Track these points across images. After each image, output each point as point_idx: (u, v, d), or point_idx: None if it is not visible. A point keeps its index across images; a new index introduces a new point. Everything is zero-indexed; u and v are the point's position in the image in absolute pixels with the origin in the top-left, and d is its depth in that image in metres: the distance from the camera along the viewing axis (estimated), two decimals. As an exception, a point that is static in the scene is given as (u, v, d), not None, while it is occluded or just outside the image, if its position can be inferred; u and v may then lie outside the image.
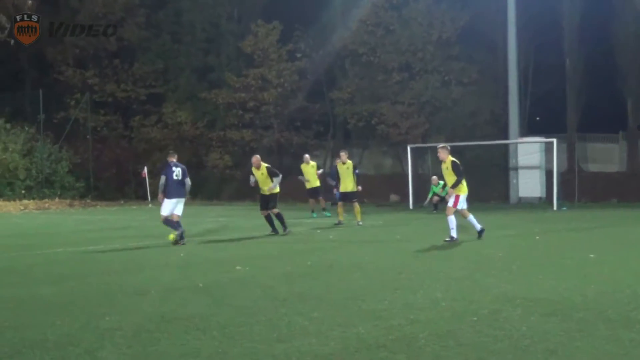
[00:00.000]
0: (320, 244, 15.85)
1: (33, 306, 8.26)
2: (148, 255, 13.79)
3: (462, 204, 15.72)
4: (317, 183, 27.03)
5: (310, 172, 27.20)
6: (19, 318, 7.53)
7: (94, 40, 46.44)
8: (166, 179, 16.25)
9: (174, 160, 16.59)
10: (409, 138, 39.30)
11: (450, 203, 15.56)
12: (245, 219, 25.50)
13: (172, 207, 16.23)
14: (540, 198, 35.50)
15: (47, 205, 36.58)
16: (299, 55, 44.28)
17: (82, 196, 41.50)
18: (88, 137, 45.21)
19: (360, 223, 21.27)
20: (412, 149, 35.53)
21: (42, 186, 40.90)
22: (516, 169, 36.66)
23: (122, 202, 40.83)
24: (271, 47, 43.67)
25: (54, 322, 7.28)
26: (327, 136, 47.31)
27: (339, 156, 22.58)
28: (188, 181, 16.72)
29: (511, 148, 37.11)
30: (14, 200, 37.47)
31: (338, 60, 44.20)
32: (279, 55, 43.89)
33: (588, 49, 41.30)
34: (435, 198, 28.67)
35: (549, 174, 33.80)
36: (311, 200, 27.28)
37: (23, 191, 39.59)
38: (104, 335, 6.67)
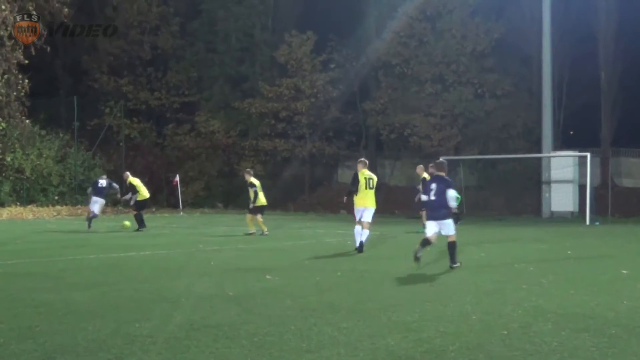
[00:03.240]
0: (351, 254, 15.80)
1: (64, 311, 8.31)
2: (178, 262, 13.83)
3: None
4: None
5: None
6: (50, 323, 7.58)
7: (129, 48, 46.96)
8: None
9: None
10: (441, 150, 39.21)
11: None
12: (277, 229, 25.47)
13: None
14: (572, 212, 35.20)
15: (79, 211, 36.86)
16: (332, 65, 44.43)
17: (115, 203, 41.76)
18: (121, 144, 45.61)
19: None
20: (445, 160, 35.32)
21: (75, 192, 41.25)
22: (549, 182, 36.38)
23: (153, 209, 41.02)
24: (305, 57, 43.82)
25: (85, 327, 7.31)
26: (359, 147, 47.33)
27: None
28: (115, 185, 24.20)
29: (544, 162, 36.86)
30: (47, 205, 37.83)
31: (371, 72, 44.30)
32: (313, 65, 44.03)
33: (623, 63, 41.05)
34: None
35: (582, 188, 33.51)
36: None
37: (56, 197, 39.98)
38: (134, 341, 6.69)
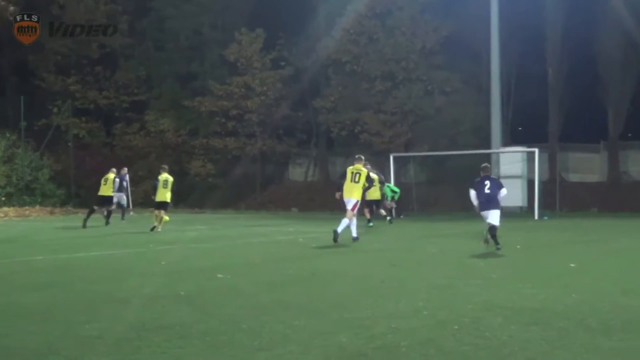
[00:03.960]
0: (302, 252, 15.81)
1: (13, 314, 8.18)
2: (129, 263, 13.71)
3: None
4: None
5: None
6: (-2, 326, 7.47)
7: (76, 47, 46.33)
8: None
9: None
10: (391, 147, 39.35)
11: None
12: (228, 228, 25.40)
13: None
14: (521, 207, 35.57)
15: (27, 212, 36.30)
16: (282, 63, 44.31)
17: (63, 204, 41.26)
18: (69, 144, 45.03)
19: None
20: (394, 157, 35.47)
21: (23, 193, 40.63)
22: (498, 178, 36.67)
23: (103, 209, 40.57)
24: (255, 55, 43.67)
25: (34, 329, 7.22)
26: (310, 145, 47.36)
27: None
28: None
29: (493, 157, 37.13)
30: (-6, 207, 37.24)
31: (321, 69, 44.24)
32: (263, 63, 43.90)
33: (570, 59, 41.58)
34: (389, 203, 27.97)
35: (530, 183, 33.91)
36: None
37: (3, 198, 39.32)
38: (84, 343, 6.62)
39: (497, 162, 36.66)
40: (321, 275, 11.49)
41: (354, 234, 17.81)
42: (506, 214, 34.25)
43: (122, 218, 29.07)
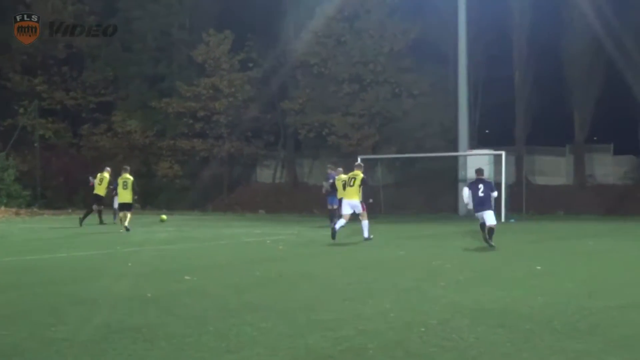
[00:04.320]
0: (270, 254, 15.77)
1: (-23, 316, 8.09)
2: (96, 264, 13.58)
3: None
4: None
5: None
6: (-39, 328, 7.37)
7: (43, 47, 45.83)
8: None
9: None
10: (359, 149, 39.41)
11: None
12: (195, 229, 25.28)
13: None
14: (488, 210, 35.64)
15: (-7, 213, 35.93)
16: (250, 65, 44.24)
17: (29, 205, 40.79)
18: (36, 145, 44.58)
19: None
20: (362, 160, 35.36)
21: (-12, 194, 40.18)
22: (465, 180, 36.77)
23: (69, 210, 40.19)
24: (223, 56, 43.58)
25: (-2, 332, 7.14)
26: (278, 147, 47.32)
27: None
28: None
29: (460, 160, 37.33)
30: (-42, 208, 36.77)
31: (290, 71, 44.21)
32: (231, 64, 43.82)
33: (537, 63, 41.94)
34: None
35: (497, 186, 33.98)
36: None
37: (-32, 199, 38.88)
38: (50, 345, 6.54)
39: (464, 164, 36.79)
40: (288, 277, 11.46)
41: (367, 235, 19.13)
42: (472, 217, 34.64)
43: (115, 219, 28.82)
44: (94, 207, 27.04)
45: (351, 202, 19.21)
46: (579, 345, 6.55)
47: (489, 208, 17.32)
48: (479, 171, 18.20)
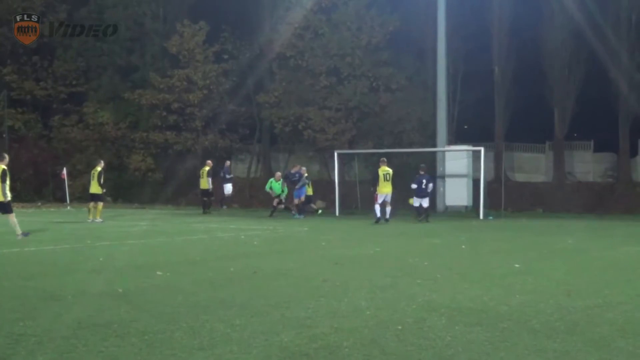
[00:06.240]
0: (244, 250, 15.64)
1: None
2: (65, 258, 13.40)
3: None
4: None
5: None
6: None
7: (12, 36, 45.27)
8: None
9: None
10: (336, 144, 39.35)
11: None
12: (168, 224, 25.12)
13: None
14: (466, 207, 35.75)
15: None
16: (225, 57, 43.99)
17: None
18: (4, 136, 44.17)
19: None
20: (339, 154, 35.23)
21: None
22: (443, 177, 36.82)
23: (39, 203, 39.85)
24: (197, 47, 43.32)
25: (-38, 327, 6.96)
26: (253, 140, 47.12)
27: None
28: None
29: (439, 156, 37.26)
30: None
31: (265, 64, 44.02)
32: (205, 56, 43.58)
33: (517, 58, 42.03)
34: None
35: (476, 182, 33.93)
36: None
37: None
38: (19, 341, 6.43)
39: (443, 160, 36.76)
40: (263, 273, 11.33)
41: (380, 215, 25.90)
42: (451, 213, 34.74)
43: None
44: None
45: (388, 194, 26.04)
46: (557, 344, 6.48)
47: (427, 196, 27.27)
48: (423, 168, 28.07)
